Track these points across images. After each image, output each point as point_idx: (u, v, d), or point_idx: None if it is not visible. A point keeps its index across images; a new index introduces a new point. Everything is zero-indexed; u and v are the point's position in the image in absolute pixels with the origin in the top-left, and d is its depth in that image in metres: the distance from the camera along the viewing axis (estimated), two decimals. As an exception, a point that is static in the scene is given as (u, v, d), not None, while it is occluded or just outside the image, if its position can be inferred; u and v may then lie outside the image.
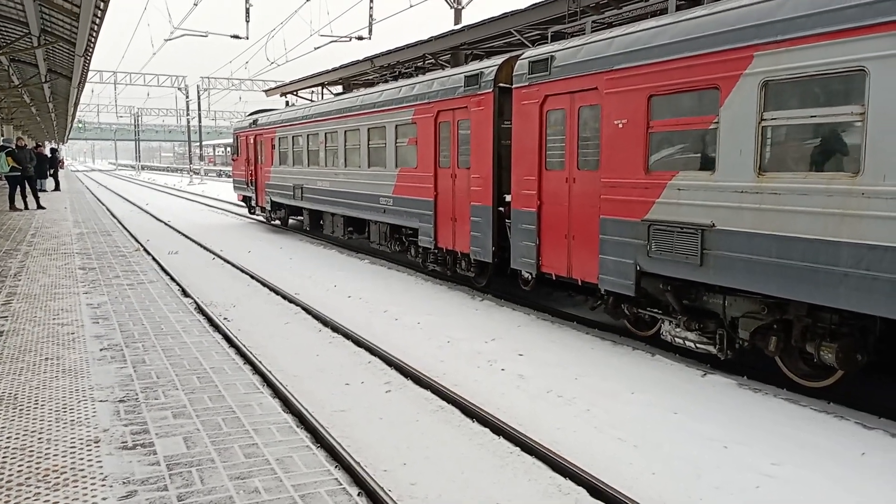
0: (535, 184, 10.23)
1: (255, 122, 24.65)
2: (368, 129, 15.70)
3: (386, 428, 6.64)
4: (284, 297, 12.59)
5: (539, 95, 10.05)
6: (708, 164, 7.51)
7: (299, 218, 22.25)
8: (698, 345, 8.08)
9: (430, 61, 19.39)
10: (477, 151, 11.67)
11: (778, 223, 6.72)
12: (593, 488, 5.25)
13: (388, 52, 19.33)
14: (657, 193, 8.05)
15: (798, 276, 6.54)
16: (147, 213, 31.58)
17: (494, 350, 9.12)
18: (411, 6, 20.83)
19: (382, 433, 6.51)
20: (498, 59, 11.57)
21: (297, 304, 11.94)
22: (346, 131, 17.01)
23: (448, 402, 7.24)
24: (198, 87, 65.51)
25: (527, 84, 10.29)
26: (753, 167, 6.95)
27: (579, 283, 9.67)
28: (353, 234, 18.03)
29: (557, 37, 10.98)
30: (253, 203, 25.57)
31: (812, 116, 6.44)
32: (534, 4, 13.50)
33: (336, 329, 10.28)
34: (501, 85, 11.22)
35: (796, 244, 6.55)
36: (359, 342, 9.52)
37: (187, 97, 69.74)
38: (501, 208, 11.36)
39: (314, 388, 7.77)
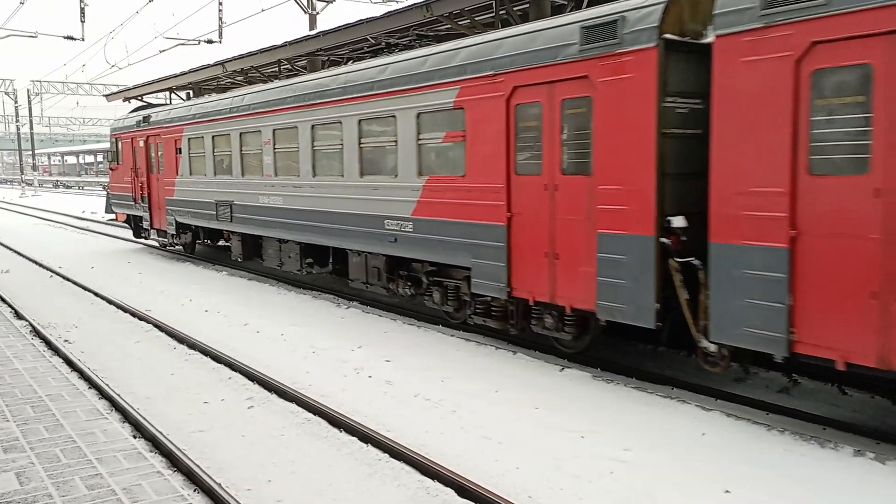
0: (783, 199, 6.22)
1: (145, 119, 19.26)
2: (360, 122, 11.16)
3: (249, 445, 6.38)
4: (134, 315, 11.79)
5: (794, 45, 6.01)
6: None
7: (210, 242, 18.06)
8: None
9: (285, 66, 19.01)
10: (613, 148, 7.66)
11: None
12: (461, 488, 5.33)
13: (242, 57, 18.76)
14: None
15: None
16: (-30, 229, 28.54)
17: (361, 358, 9.03)
18: (263, 10, 20.34)
19: (245, 451, 6.24)
20: None
21: (149, 322, 11.23)
22: (313, 125, 12.29)
23: (314, 414, 7.08)
24: (28, 91, 60.45)
25: (760, 26, 6.21)
26: None
27: None
28: (312, 266, 13.51)
29: None
30: (146, 224, 19.78)
31: None
32: (389, 12, 13.60)
33: (193, 346, 9.75)
34: (667, 37, 7.19)
35: None
36: (218, 358, 9.09)
37: (16, 102, 64.36)
38: (665, 240, 7.33)
39: (169, 409, 7.32)
